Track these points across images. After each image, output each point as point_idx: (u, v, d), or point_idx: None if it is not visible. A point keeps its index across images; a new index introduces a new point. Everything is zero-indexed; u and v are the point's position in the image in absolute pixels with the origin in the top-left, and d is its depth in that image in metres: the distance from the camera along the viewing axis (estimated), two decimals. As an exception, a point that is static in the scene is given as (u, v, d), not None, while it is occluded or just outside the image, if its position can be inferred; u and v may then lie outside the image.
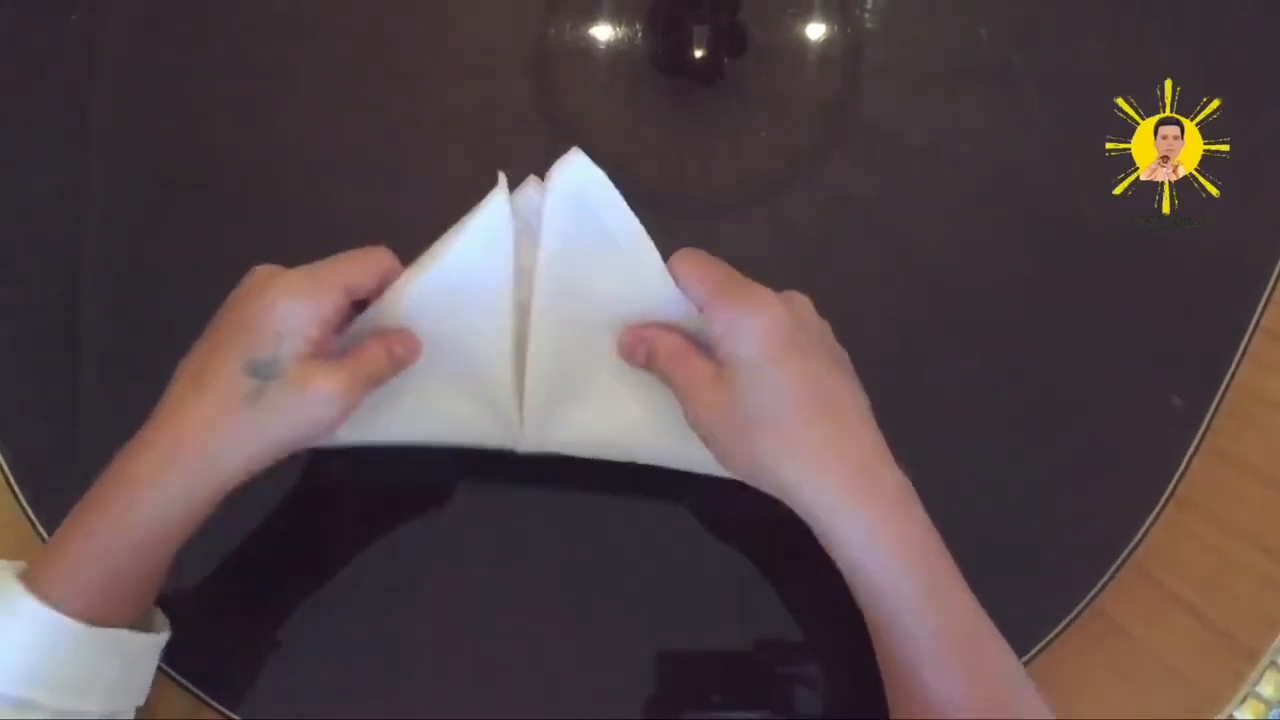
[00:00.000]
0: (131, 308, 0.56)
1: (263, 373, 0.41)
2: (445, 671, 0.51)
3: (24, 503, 0.53)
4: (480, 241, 0.46)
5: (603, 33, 0.58)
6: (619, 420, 0.48)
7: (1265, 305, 0.53)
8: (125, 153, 0.57)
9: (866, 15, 0.58)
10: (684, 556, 0.52)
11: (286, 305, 0.42)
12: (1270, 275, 0.54)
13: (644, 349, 0.45)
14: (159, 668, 0.46)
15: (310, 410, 0.42)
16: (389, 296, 0.45)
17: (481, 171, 0.54)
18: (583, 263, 0.46)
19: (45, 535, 0.52)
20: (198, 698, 0.49)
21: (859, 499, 0.40)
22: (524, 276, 0.46)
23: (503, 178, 0.46)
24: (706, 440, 0.43)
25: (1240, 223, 0.55)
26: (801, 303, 0.45)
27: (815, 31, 0.58)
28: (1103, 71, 0.56)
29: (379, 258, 0.45)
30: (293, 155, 0.57)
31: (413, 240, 0.55)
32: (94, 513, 0.41)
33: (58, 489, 0.52)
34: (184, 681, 0.49)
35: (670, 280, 0.44)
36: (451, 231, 0.47)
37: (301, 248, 0.55)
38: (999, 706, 0.39)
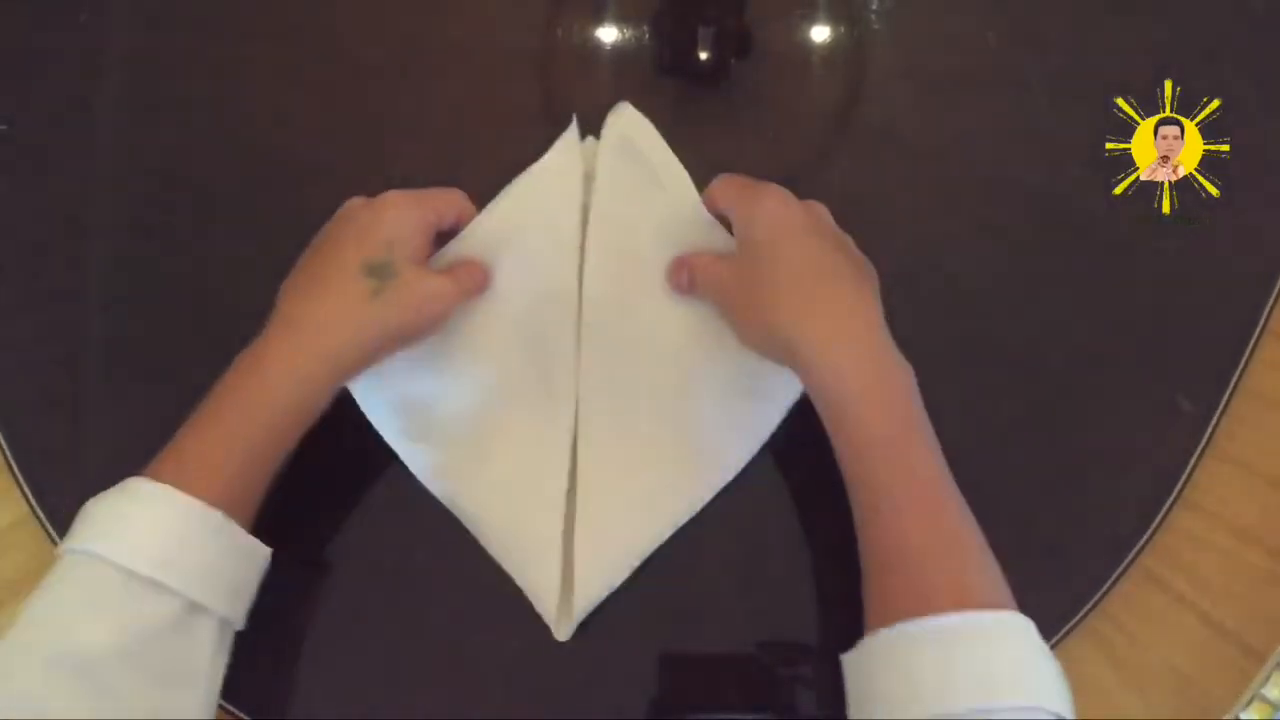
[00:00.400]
0: (136, 305, 0.56)
1: (380, 273, 0.46)
2: (442, 671, 0.51)
3: (31, 500, 0.53)
4: (551, 178, 0.52)
5: (609, 34, 0.58)
6: (667, 346, 0.52)
7: (1272, 308, 0.53)
8: (130, 152, 0.58)
9: (872, 17, 0.58)
10: (684, 557, 0.52)
11: (394, 215, 0.48)
12: (1278, 278, 0.54)
13: (685, 274, 0.51)
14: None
15: (426, 305, 0.47)
16: (467, 233, 0.51)
17: (487, 171, 0.55)
18: (633, 199, 0.52)
19: (52, 531, 0.52)
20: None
21: (843, 349, 0.44)
22: (584, 211, 0.53)
23: (575, 121, 0.53)
24: (729, 319, 0.49)
25: (1246, 224, 0.55)
26: (819, 206, 0.50)
27: (821, 34, 0.58)
28: (1103, 71, 0.56)
29: (458, 196, 0.51)
30: (298, 153, 0.57)
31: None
32: (227, 401, 0.45)
33: (64, 486, 0.53)
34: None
35: (707, 213, 0.51)
36: (524, 174, 0.53)
37: (304, 242, 0.56)
38: (955, 545, 0.41)
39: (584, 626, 0.51)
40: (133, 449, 0.53)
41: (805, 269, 0.46)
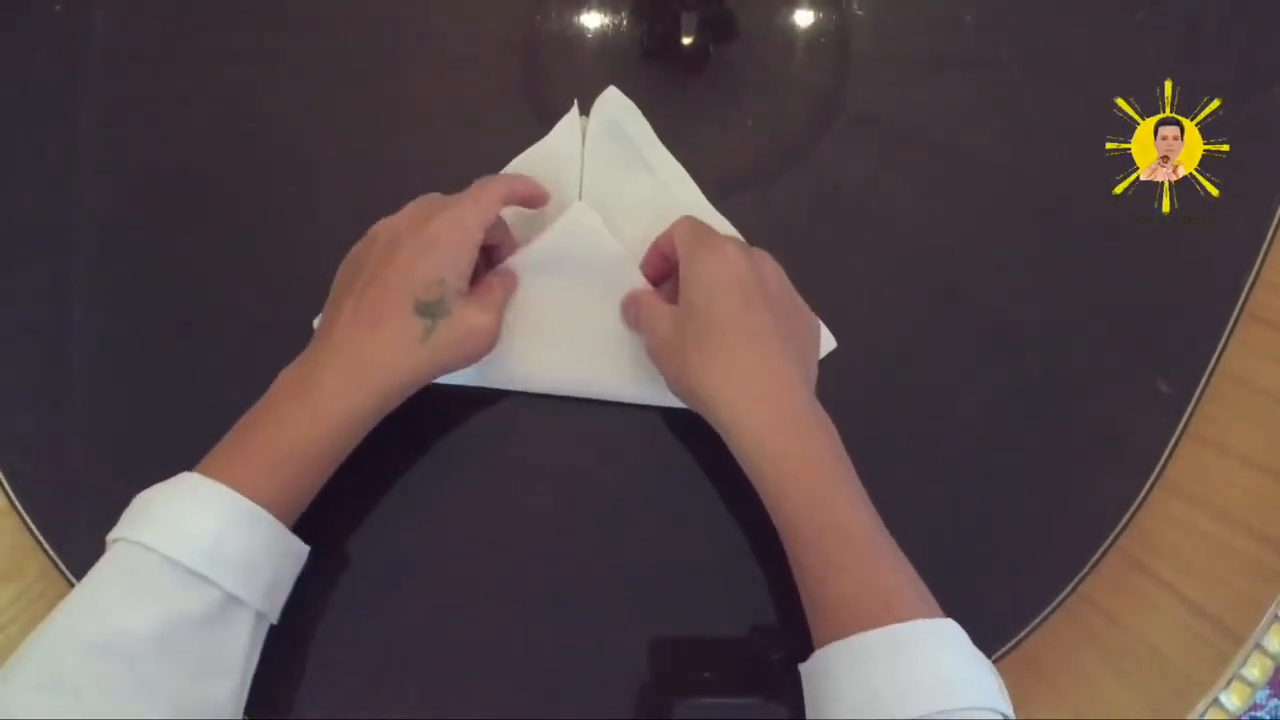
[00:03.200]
0: (122, 301, 0.56)
1: (431, 313, 0.47)
2: (439, 664, 0.51)
3: (13, 497, 0.53)
4: (553, 159, 0.55)
5: (591, 20, 0.58)
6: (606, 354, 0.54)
7: (1250, 290, 0.54)
8: (113, 144, 0.57)
9: (855, 2, 0.58)
10: (678, 543, 0.52)
11: (445, 247, 0.47)
12: (1255, 261, 0.54)
13: (633, 309, 0.52)
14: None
15: (474, 342, 0.49)
16: None
17: (470, 157, 0.55)
18: (622, 182, 0.55)
19: (35, 529, 0.52)
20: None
21: (758, 415, 0.46)
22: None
23: (576, 105, 0.55)
24: (658, 359, 0.50)
25: (1225, 223, 0.55)
26: (760, 256, 0.50)
27: (804, 18, 0.58)
28: (1103, 71, 0.56)
29: (502, 189, 0.50)
30: (281, 143, 0.57)
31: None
32: (272, 421, 0.45)
33: (49, 485, 0.53)
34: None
35: (696, 190, 0.55)
36: (524, 154, 0.55)
37: (290, 235, 0.56)
38: (885, 606, 0.42)
39: (581, 620, 0.51)
40: (113, 441, 0.54)
41: (732, 331, 0.47)
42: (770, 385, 0.46)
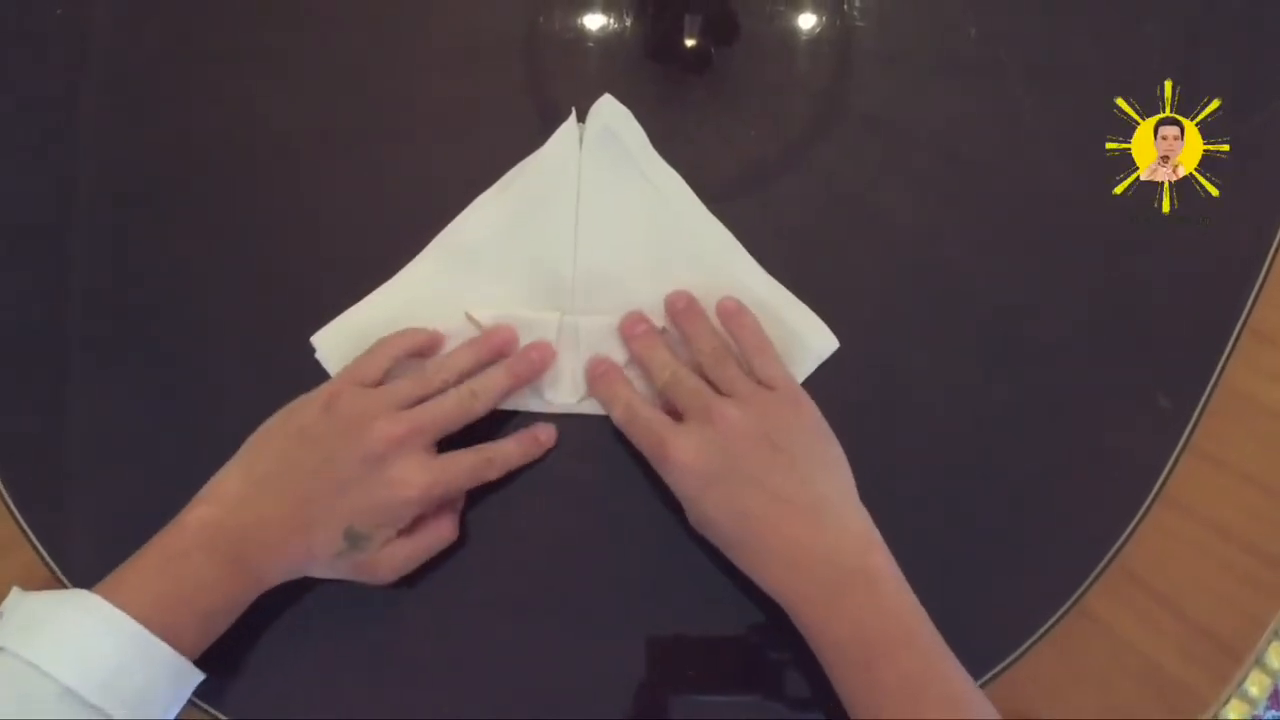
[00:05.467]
0: (115, 300, 0.55)
1: (355, 542, 0.47)
2: (431, 668, 0.51)
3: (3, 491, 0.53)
4: (551, 169, 0.54)
5: (593, 21, 0.57)
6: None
7: (1252, 306, 0.53)
8: (112, 147, 0.56)
9: (857, 4, 0.57)
10: (674, 546, 0.51)
11: (387, 507, 0.47)
12: (1257, 276, 0.54)
13: (621, 410, 0.51)
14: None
15: (373, 576, 0.49)
16: (467, 218, 0.54)
17: (471, 160, 0.55)
18: (620, 191, 0.54)
19: (25, 525, 0.52)
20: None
21: (785, 594, 0.47)
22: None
23: (574, 113, 0.55)
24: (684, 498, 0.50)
25: (1226, 223, 0.55)
26: (720, 419, 0.48)
27: (807, 21, 0.58)
28: (1103, 71, 0.56)
29: (472, 463, 0.50)
30: (280, 145, 0.56)
31: (402, 229, 0.55)
32: (204, 564, 0.45)
33: (39, 479, 0.53)
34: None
35: (693, 197, 0.55)
36: (523, 163, 0.55)
37: (289, 238, 0.55)
38: None
39: (577, 622, 0.51)
40: (108, 444, 0.53)
41: (727, 528, 0.48)
42: (779, 567, 0.47)
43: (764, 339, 0.51)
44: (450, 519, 0.51)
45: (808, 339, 0.54)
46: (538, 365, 0.52)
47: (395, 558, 0.48)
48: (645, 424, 0.49)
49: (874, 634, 0.45)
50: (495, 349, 0.52)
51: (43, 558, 0.52)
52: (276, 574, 0.48)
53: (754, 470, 0.47)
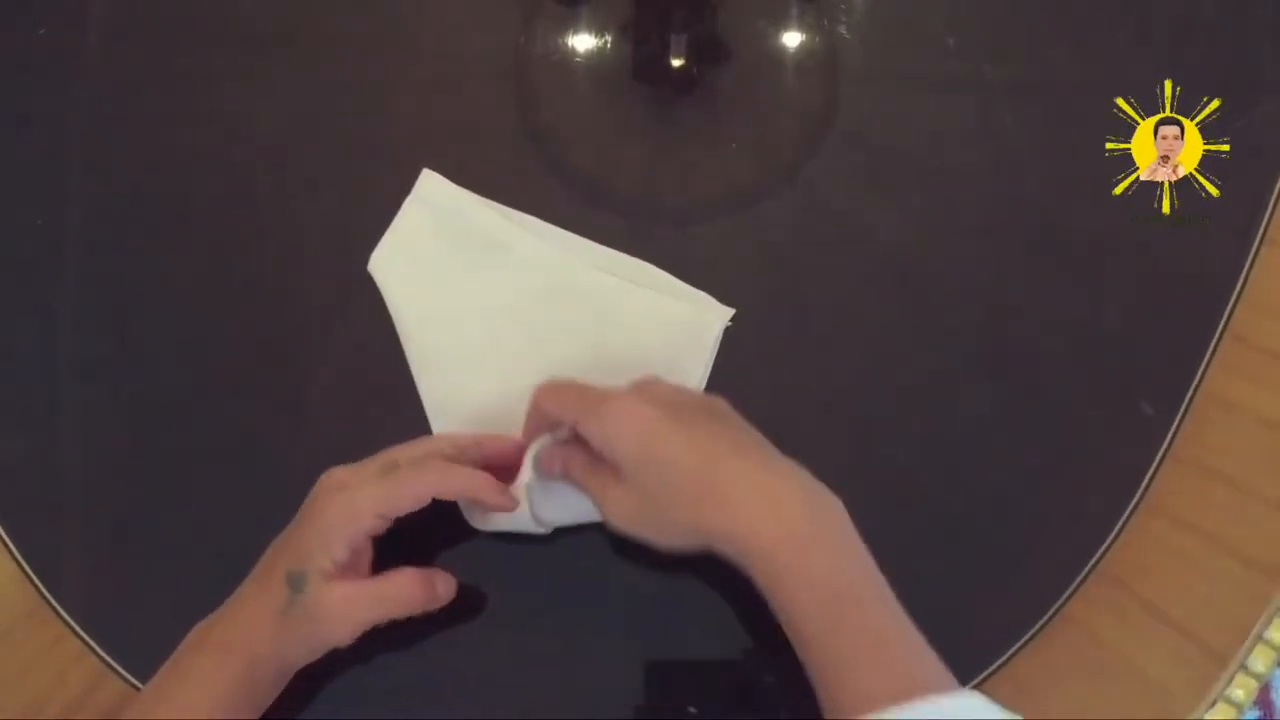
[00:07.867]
0: (104, 319, 0.56)
1: (295, 585, 0.44)
2: (427, 680, 0.51)
3: None
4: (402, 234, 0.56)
5: (579, 42, 0.58)
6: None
7: (1232, 310, 0.54)
8: (99, 165, 0.58)
9: (843, 22, 0.58)
10: (669, 560, 0.51)
11: (320, 531, 0.45)
12: (1236, 281, 0.54)
13: (559, 464, 0.49)
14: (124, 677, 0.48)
15: (319, 629, 0.45)
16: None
17: (457, 180, 0.55)
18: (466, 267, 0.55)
19: (12, 546, 0.53)
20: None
21: (753, 542, 0.44)
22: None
23: (424, 173, 0.56)
24: (634, 533, 0.46)
25: (1205, 229, 0.55)
26: (649, 382, 0.48)
27: (793, 39, 0.58)
28: (1103, 71, 0.57)
29: (418, 484, 0.46)
30: (266, 164, 0.57)
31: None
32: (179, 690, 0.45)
33: (31, 501, 0.53)
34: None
35: (516, 228, 0.55)
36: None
37: (274, 257, 0.56)
38: (914, 687, 0.41)
39: (572, 631, 0.51)
40: (100, 467, 0.54)
41: (690, 470, 0.44)
42: (748, 511, 0.44)
43: (584, 398, 0.47)
44: (416, 576, 0.47)
45: (696, 322, 0.54)
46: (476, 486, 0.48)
47: (333, 598, 0.44)
48: (582, 477, 0.48)
49: (851, 578, 0.44)
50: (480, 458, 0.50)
51: (22, 568, 0.52)
52: (242, 662, 0.45)
53: (692, 420, 0.46)
